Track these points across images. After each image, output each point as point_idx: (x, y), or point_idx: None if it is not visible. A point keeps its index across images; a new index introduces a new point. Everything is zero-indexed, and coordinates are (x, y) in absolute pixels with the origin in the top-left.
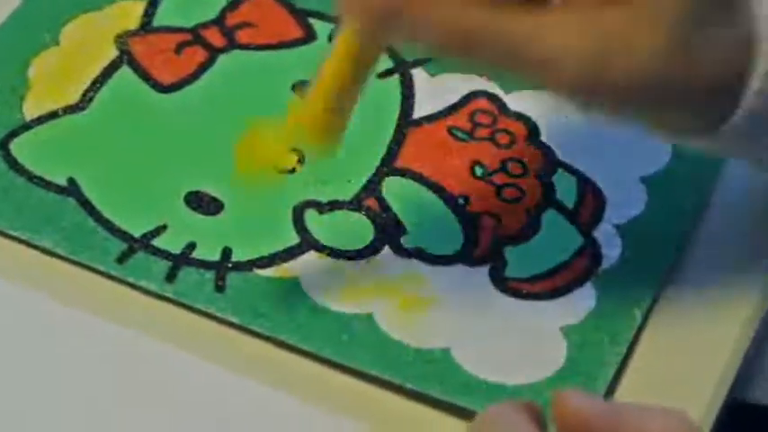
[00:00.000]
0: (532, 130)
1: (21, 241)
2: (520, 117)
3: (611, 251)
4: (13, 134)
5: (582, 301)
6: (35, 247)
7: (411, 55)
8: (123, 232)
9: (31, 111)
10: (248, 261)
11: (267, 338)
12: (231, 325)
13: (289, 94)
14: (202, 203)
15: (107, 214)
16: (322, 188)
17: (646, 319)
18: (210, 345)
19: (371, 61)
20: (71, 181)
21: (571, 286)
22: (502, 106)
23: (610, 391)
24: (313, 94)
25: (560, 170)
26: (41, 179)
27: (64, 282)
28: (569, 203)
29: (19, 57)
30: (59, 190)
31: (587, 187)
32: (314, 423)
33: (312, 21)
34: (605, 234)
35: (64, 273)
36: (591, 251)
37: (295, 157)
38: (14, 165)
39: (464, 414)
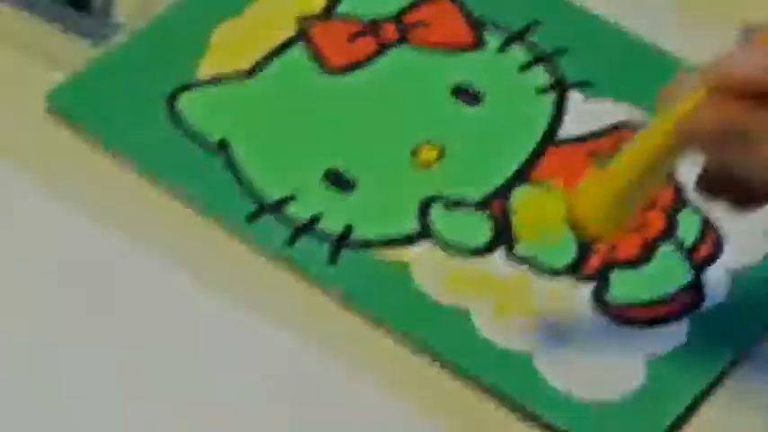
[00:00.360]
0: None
1: (161, 189)
2: None
3: (717, 293)
4: (183, 89)
5: (673, 336)
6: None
7: (571, 76)
8: (258, 195)
9: (204, 71)
10: (366, 240)
11: (364, 315)
12: (333, 296)
13: (447, 95)
14: (337, 180)
15: (248, 175)
16: (454, 186)
17: (733, 365)
18: (309, 316)
19: (676, 160)
20: (222, 142)
21: (668, 318)
22: None
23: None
24: (605, 180)
25: (688, 209)
26: (196, 135)
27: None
28: (689, 241)
29: (204, 23)
30: (211, 148)
31: (710, 228)
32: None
33: (485, 30)
34: (716, 275)
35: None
36: (696, 289)
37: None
38: (176, 117)
39: (530, 417)
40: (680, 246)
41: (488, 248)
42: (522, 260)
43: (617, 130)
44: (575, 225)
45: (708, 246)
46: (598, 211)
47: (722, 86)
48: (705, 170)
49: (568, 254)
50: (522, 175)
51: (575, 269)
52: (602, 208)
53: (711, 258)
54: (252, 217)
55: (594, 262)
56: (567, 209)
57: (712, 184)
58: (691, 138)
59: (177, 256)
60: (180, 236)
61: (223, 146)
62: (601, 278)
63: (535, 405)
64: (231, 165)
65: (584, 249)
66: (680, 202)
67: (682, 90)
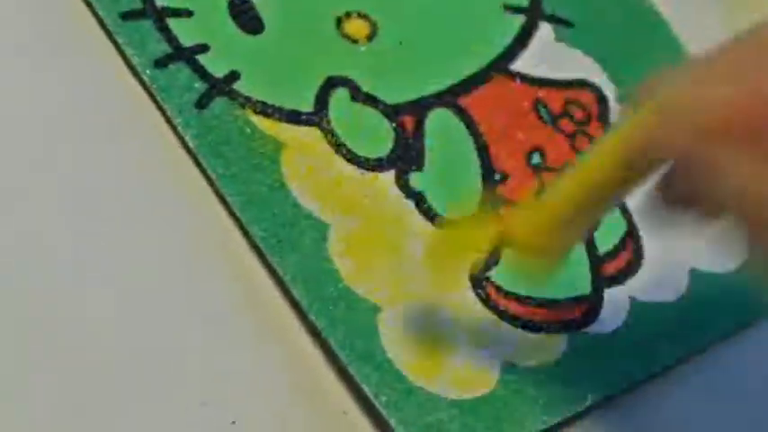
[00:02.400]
0: None
1: None
2: None
3: (612, 320)
4: None
5: (543, 350)
6: None
7: (551, 7)
8: None
9: None
10: (248, 96)
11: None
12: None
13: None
14: (242, 12)
15: None
16: (372, 77)
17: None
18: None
19: (633, 184)
20: None
21: (544, 327)
22: (603, 111)
23: None
24: (541, 206)
25: (614, 213)
26: None
27: None
28: (602, 249)
29: None
30: None
31: (629, 244)
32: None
33: None
34: (617, 300)
35: None
36: (590, 307)
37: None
38: None
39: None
40: (590, 251)
41: (378, 165)
42: (413, 194)
43: (579, 88)
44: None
45: (619, 263)
46: (532, 240)
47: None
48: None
49: (467, 206)
50: (450, 97)
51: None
52: (536, 238)
53: (617, 279)
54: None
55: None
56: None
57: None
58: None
59: None
60: None
61: None
62: (493, 251)
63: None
64: None
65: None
66: None
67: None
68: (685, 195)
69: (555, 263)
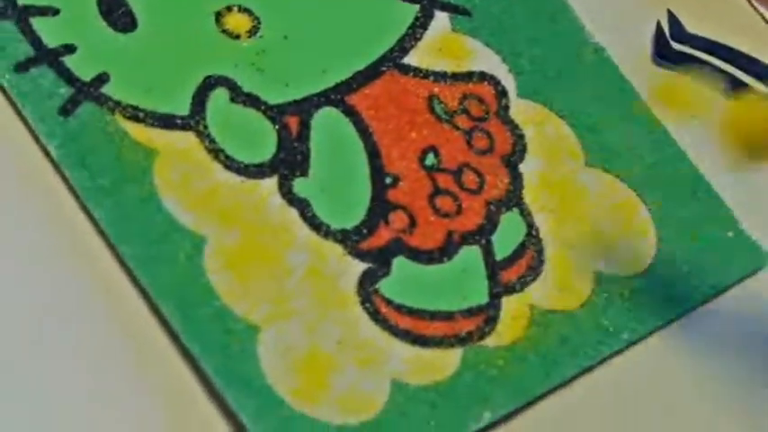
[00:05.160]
0: (518, 151)
1: None
2: (514, 128)
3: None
4: None
5: (436, 367)
6: None
7: None
8: None
9: None
10: (118, 101)
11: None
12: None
13: None
14: (113, 8)
15: None
16: (252, 76)
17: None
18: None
19: None
20: None
21: (438, 341)
22: (503, 107)
23: None
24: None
25: (515, 211)
26: None
27: None
28: (501, 252)
29: None
30: None
31: (529, 248)
32: None
33: None
34: (514, 309)
35: None
36: (486, 318)
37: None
38: None
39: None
40: (487, 254)
41: (259, 171)
42: (299, 201)
43: (477, 82)
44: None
45: (518, 269)
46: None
47: None
48: None
49: (356, 213)
50: (335, 95)
51: (354, 235)
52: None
53: (514, 288)
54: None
55: (383, 235)
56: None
57: None
58: None
59: None
60: None
61: None
62: (380, 259)
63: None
64: None
65: (376, 215)
66: (511, 198)
67: None
68: None
69: None
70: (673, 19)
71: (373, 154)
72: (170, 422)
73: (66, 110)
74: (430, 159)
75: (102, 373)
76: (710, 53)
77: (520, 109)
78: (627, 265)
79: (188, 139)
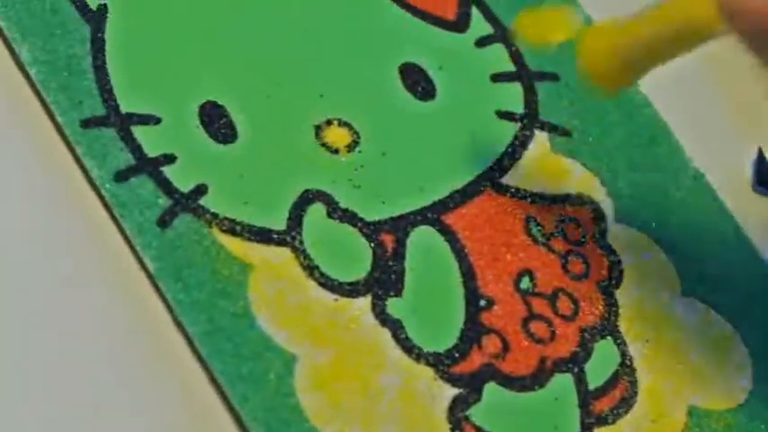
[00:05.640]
0: (614, 278)
1: None
2: (610, 253)
3: None
4: None
5: None
6: None
7: (548, 116)
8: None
9: None
10: (215, 213)
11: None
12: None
13: (392, 71)
14: (214, 120)
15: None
16: (351, 191)
17: None
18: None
19: (703, 39)
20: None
21: None
22: (601, 231)
23: None
24: (616, 40)
25: (609, 339)
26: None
27: None
28: (593, 382)
29: None
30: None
31: (623, 378)
32: None
33: (474, 11)
34: None
35: None
36: None
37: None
38: None
39: None
40: (580, 383)
41: (353, 290)
42: (392, 322)
43: (566, 203)
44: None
45: (610, 400)
46: (604, 54)
47: None
48: None
49: (449, 335)
50: (432, 213)
51: (446, 359)
52: (605, 67)
53: (607, 419)
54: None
55: (475, 359)
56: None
57: None
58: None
59: None
60: None
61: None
62: (472, 385)
63: None
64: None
65: (469, 338)
66: (606, 325)
67: None
68: None
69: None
70: None
71: (468, 275)
72: None
73: (164, 221)
74: (525, 283)
75: None
76: None
77: (617, 234)
78: (721, 400)
79: (284, 254)
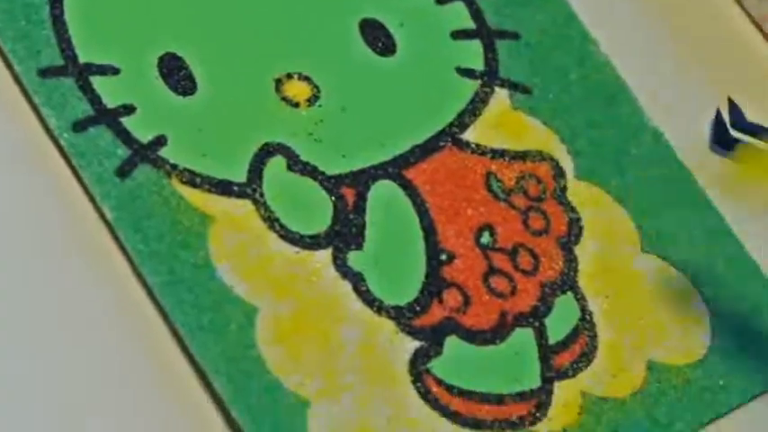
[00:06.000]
0: (573, 234)
1: None
2: (570, 209)
3: (560, 416)
4: None
5: None
6: None
7: (509, 74)
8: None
9: None
10: (174, 164)
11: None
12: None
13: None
14: (173, 72)
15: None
16: (311, 144)
17: None
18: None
19: None
20: None
21: (488, 424)
22: (561, 188)
23: None
24: None
25: (569, 294)
26: None
27: None
28: (554, 336)
29: None
30: None
31: (583, 333)
32: None
33: None
34: (567, 396)
35: None
36: (537, 403)
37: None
38: None
39: None
40: (540, 337)
41: (314, 242)
42: (353, 275)
43: (526, 160)
44: None
45: (571, 354)
46: None
47: None
48: None
49: (410, 289)
50: (393, 168)
51: (407, 312)
52: None
53: (567, 373)
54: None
55: (436, 313)
56: None
57: None
58: None
59: None
60: None
61: None
62: (433, 338)
63: None
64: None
65: (430, 292)
66: (566, 280)
67: None
68: None
69: None
70: (733, 107)
71: (429, 229)
72: None
73: (123, 171)
74: (485, 238)
75: None
76: None
77: (577, 190)
78: (680, 355)
79: (244, 206)
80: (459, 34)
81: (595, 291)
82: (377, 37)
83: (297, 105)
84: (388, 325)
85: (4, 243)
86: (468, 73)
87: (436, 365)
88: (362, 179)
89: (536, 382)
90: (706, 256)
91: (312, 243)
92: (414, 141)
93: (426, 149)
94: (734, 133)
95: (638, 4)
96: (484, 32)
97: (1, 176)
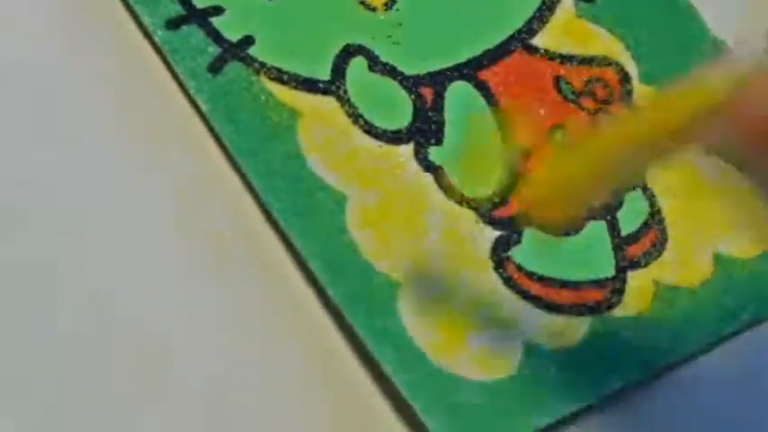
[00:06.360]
0: None
1: None
2: None
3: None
4: None
5: (563, 335)
6: None
7: None
8: None
9: None
10: (263, 62)
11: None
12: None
13: None
14: None
15: None
16: (391, 46)
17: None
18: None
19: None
20: None
21: (567, 308)
22: (627, 92)
23: None
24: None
25: (638, 191)
26: None
27: None
28: (625, 229)
29: None
30: None
31: (653, 227)
32: None
33: None
34: (640, 285)
35: None
36: (614, 290)
37: None
38: None
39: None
40: (612, 230)
41: (396, 137)
42: (432, 168)
43: (593, 65)
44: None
45: (642, 246)
46: (545, 200)
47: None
48: None
49: (488, 184)
50: (468, 70)
51: (487, 203)
52: (550, 198)
53: (639, 263)
54: None
55: (514, 206)
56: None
57: None
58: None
59: None
60: None
61: None
62: (512, 228)
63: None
64: None
65: (508, 189)
66: None
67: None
68: None
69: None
70: None
71: (503, 128)
72: (318, 376)
73: (214, 67)
74: (558, 136)
75: (245, 316)
76: None
77: (643, 94)
78: (747, 248)
79: (330, 103)
80: None
81: (664, 188)
82: None
83: (374, 9)
84: (469, 214)
85: (102, 126)
86: None
87: (516, 253)
88: (439, 80)
89: (610, 272)
90: None
91: (394, 138)
92: (486, 46)
93: (498, 53)
94: None
95: None
96: None
97: (103, 71)
